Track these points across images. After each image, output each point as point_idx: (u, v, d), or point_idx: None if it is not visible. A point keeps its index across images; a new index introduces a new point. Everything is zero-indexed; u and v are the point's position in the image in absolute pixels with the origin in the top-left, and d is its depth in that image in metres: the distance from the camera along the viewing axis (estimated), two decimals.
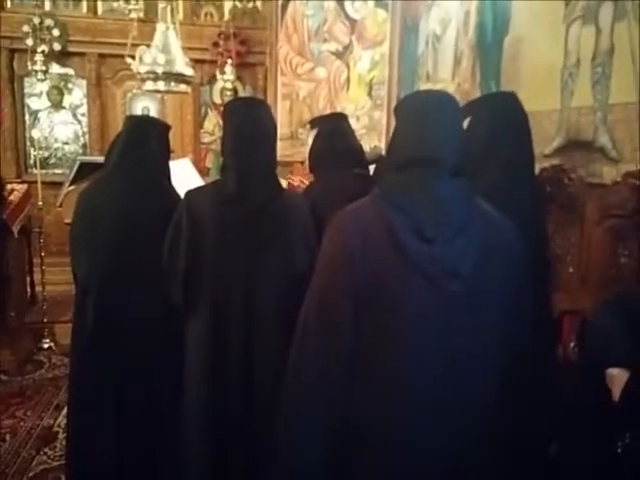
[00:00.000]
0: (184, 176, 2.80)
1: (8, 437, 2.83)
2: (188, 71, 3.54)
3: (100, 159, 3.07)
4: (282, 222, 1.71)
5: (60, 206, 3.55)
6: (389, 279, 1.09)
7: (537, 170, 1.85)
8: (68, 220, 2.72)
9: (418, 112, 1.16)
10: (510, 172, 1.53)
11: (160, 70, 3.40)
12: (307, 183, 3.62)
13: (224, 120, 1.82)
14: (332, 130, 2.13)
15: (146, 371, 1.88)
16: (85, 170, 3.29)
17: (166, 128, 2.08)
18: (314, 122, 2.26)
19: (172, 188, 2.04)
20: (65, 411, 3.00)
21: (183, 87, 3.56)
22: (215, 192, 1.73)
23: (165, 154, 2.07)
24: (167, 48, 3.43)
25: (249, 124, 1.73)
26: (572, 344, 1.71)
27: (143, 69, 3.43)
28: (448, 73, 3.33)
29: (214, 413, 1.69)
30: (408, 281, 1.09)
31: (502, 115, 1.60)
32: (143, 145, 1.97)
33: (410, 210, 1.09)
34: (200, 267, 1.69)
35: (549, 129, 2.17)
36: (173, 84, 3.45)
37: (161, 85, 3.46)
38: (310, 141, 2.18)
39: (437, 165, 1.11)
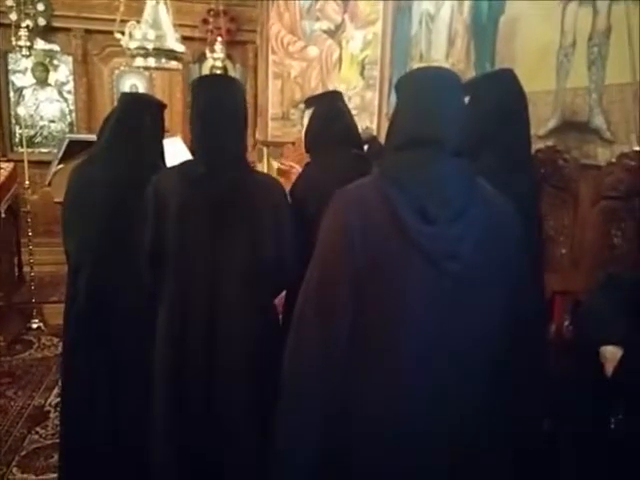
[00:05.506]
0: (176, 154, 2.76)
1: None
2: (179, 47, 3.47)
3: (89, 137, 3.02)
4: (249, 204, 1.66)
5: (49, 185, 3.49)
6: (389, 259, 1.09)
7: (532, 151, 1.85)
8: (58, 199, 2.69)
9: (420, 90, 1.14)
10: (509, 151, 1.54)
11: (150, 46, 3.32)
12: (298, 167, 3.57)
13: (192, 98, 1.75)
14: (328, 110, 2.07)
15: (138, 349, 1.87)
16: (74, 148, 3.23)
17: (161, 106, 2.04)
18: (309, 101, 2.20)
19: (164, 167, 2.01)
20: (56, 391, 3.02)
21: (174, 64, 3.49)
22: (182, 173, 1.68)
23: (159, 133, 2.03)
24: (157, 24, 3.35)
25: (216, 103, 1.67)
26: (566, 323, 1.74)
27: (133, 45, 3.35)
28: (442, 53, 3.30)
29: (177, 405, 1.65)
30: (408, 261, 1.08)
31: (502, 93, 1.60)
32: (137, 123, 1.93)
33: (412, 190, 1.08)
34: (165, 249, 1.66)
35: (544, 110, 2.16)
36: (164, 60, 3.38)
37: (151, 61, 3.38)
38: (305, 121, 2.14)
39: (439, 145, 1.10)
